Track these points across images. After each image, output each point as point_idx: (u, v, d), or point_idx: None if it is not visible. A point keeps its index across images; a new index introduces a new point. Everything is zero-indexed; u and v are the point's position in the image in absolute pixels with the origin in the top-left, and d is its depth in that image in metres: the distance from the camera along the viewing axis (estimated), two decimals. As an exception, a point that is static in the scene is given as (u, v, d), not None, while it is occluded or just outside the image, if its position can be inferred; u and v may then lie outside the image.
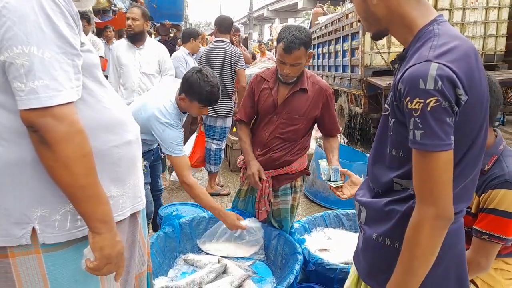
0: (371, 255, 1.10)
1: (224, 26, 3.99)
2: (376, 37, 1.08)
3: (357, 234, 2.84)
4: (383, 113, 1.05)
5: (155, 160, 2.68)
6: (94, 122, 1.02)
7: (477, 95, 0.91)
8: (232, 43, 4.23)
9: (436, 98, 0.84)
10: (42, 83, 0.86)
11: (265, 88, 2.27)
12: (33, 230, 0.97)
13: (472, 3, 5.42)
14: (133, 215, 1.21)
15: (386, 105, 1.02)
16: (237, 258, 2.36)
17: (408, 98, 0.87)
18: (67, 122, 0.89)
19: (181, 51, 4.48)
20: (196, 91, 2.12)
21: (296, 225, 2.62)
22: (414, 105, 0.86)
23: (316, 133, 4.77)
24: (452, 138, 0.87)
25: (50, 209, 0.98)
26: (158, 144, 2.48)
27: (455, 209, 0.93)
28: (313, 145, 4.61)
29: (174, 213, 2.55)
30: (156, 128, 2.12)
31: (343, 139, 5.10)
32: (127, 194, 1.15)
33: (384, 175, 1.04)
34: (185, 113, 2.30)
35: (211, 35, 8.13)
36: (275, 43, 6.41)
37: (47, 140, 0.88)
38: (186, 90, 2.14)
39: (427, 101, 0.85)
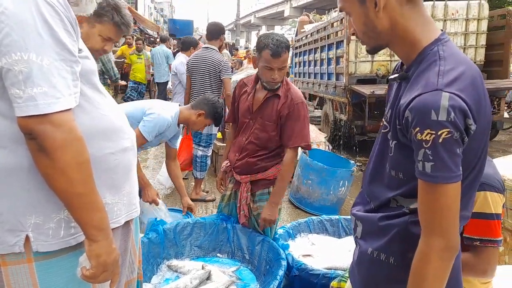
0: (366, 270, 1.09)
1: (212, 32, 3.95)
2: (373, 51, 1.05)
3: (340, 240, 2.87)
4: (382, 130, 1.02)
5: None
6: (91, 128, 1.02)
7: (483, 122, 0.90)
8: (219, 50, 4.20)
9: (448, 129, 0.82)
10: (41, 90, 0.85)
11: (244, 93, 2.34)
12: (27, 237, 0.96)
13: (452, 14, 5.58)
14: (127, 223, 1.21)
15: (385, 122, 0.99)
16: (221, 263, 2.36)
17: (418, 128, 0.84)
18: (65, 129, 0.88)
19: (183, 57, 4.62)
20: (216, 113, 2.69)
21: (280, 230, 2.64)
22: (425, 137, 0.84)
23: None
24: (461, 168, 0.86)
25: (44, 216, 0.97)
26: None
27: None
28: (298, 152, 4.65)
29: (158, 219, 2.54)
30: (154, 111, 2.40)
31: (328, 146, 5.15)
32: (122, 201, 1.15)
33: (383, 194, 1.03)
34: (179, 126, 2.67)
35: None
36: (252, 52, 6.43)
37: (45, 147, 0.87)
38: (207, 109, 2.64)
39: (439, 133, 0.82)
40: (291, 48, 11.32)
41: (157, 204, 2.63)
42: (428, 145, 0.84)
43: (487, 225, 1.32)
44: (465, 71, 0.88)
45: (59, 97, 0.88)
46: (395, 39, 0.97)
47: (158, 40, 11.31)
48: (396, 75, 1.01)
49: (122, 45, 8.88)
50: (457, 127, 0.83)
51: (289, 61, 10.58)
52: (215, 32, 3.96)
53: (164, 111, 2.46)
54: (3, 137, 0.92)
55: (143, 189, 2.55)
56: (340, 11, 1.05)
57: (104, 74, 4.82)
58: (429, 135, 0.83)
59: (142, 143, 2.39)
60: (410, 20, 0.94)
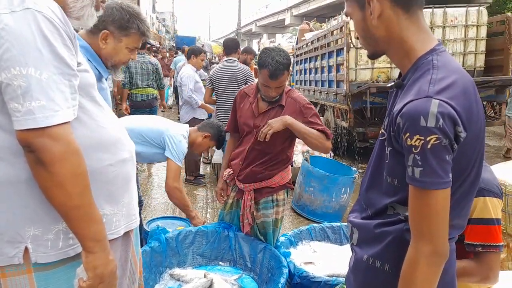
0: (362, 277, 1.10)
1: (230, 47, 4.41)
2: (372, 56, 1.08)
3: (342, 247, 2.86)
4: (379, 138, 1.03)
5: None
6: (90, 140, 1.04)
7: (475, 131, 0.91)
8: (245, 62, 4.63)
9: (436, 136, 0.83)
10: (39, 104, 0.87)
11: (246, 102, 2.36)
12: (26, 249, 0.97)
13: (451, 21, 5.61)
14: (127, 233, 1.21)
15: (383, 130, 1.00)
16: (223, 271, 2.36)
17: (408, 134, 0.86)
18: (63, 142, 0.90)
19: (190, 69, 4.70)
20: (220, 136, 2.87)
21: (282, 238, 2.65)
22: (414, 142, 0.85)
23: (302, 147, 4.83)
24: (450, 175, 0.87)
25: (43, 228, 0.99)
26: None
27: (449, 235, 0.93)
28: (300, 159, 4.66)
29: (161, 226, 2.56)
30: (176, 137, 2.57)
31: (330, 153, 5.16)
32: (121, 212, 1.16)
33: (380, 201, 1.04)
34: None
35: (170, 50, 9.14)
36: (254, 65, 6.52)
37: (43, 160, 0.88)
38: (212, 132, 2.81)
39: (428, 139, 0.84)
40: (292, 56, 11.33)
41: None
42: (417, 150, 0.85)
43: (488, 230, 1.32)
44: (457, 80, 0.89)
45: (57, 110, 0.89)
46: (392, 48, 0.99)
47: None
48: (393, 83, 1.04)
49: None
50: (446, 134, 0.84)
51: (290, 69, 10.51)
52: (232, 46, 4.41)
53: (183, 137, 2.62)
54: (2, 150, 0.94)
55: (190, 216, 2.73)
56: (346, 15, 1.08)
57: (154, 80, 5.10)
58: (418, 140, 0.85)
59: (179, 170, 2.58)
60: (406, 30, 0.96)
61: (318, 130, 2.18)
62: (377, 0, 0.94)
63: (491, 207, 1.34)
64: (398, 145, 0.93)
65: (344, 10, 1.08)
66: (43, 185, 0.91)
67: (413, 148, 0.86)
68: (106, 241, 1.01)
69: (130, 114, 4.90)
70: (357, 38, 1.09)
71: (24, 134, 0.87)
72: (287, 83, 2.34)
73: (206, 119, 4.66)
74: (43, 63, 0.88)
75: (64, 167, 0.90)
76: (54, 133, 0.89)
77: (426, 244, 0.89)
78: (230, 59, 4.29)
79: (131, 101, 5.13)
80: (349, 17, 1.07)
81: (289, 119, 2.12)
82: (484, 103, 5.69)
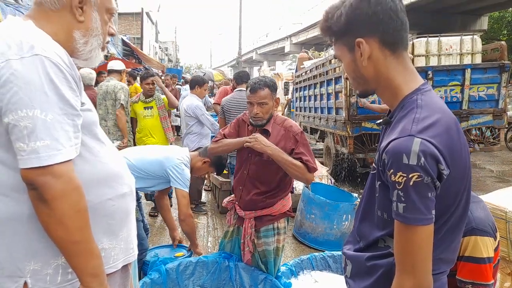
0: None
1: (242, 77, 4.67)
2: (362, 95, 1.13)
3: (343, 276, 2.82)
4: (371, 171, 1.06)
5: (137, 199, 2.79)
6: (91, 176, 1.07)
7: (458, 168, 0.93)
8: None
9: (418, 173, 0.86)
10: (43, 143, 0.91)
11: (244, 129, 2.43)
12: (25, 284, 0.99)
13: (447, 49, 5.74)
14: (125, 267, 1.22)
15: (374, 164, 1.03)
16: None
17: (392, 170, 0.89)
18: (64, 180, 0.94)
19: (196, 99, 4.76)
20: (220, 164, 2.94)
21: (282, 268, 2.62)
22: (397, 178, 0.88)
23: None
24: (433, 211, 0.89)
25: (42, 262, 1.01)
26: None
27: (437, 270, 0.96)
28: (300, 186, 4.66)
29: (158, 256, 2.55)
30: (178, 167, 2.61)
31: (330, 179, 5.17)
32: (119, 246, 1.17)
33: (371, 233, 1.06)
34: None
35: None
36: None
37: (45, 197, 0.92)
38: (213, 158, 2.83)
39: (410, 176, 0.86)
40: (291, 84, 11.45)
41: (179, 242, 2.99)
42: (400, 186, 0.88)
43: (479, 269, 1.36)
44: (440, 119, 0.93)
45: (60, 149, 0.94)
46: (380, 87, 1.04)
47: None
48: (381, 120, 1.08)
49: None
50: (428, 172, 0.86)
51: (290, 96, 10.63)
52: (243, 77, 4.67)
53: (184, 165, 2.66)
54: (6, 186, 0.98)
55: (170, 231, 2.85)
56: (335, 58, 1.13)
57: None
58: (401, 177, 0.88)
59: (188, 196, 2.63)
60: (393, 70, 1.00)
61: (301, 161, 2.22)
62: (367, 42, 0.99)
63: (482, 246, 1.37)
64: (385, 179, 0.96)
65: (334, 53, 1.13)
66: (44, 220, 0.94)
67: (396, 184, 0.89)
68: (104, 276, 1.03)
69: None
70: (346, 78, 1.14)
71: (28, 172, 0.91)
72: (286, 110, 2.42)
73: None
74: (49, 105, 0.93)
75: (65, 203, 0.93)
76: (56, 171, 0.93)
77: (409, 279, 0.91)
78: (241, 90, 4.48)
79: None
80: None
81: (270, 150, 2.18)
82: (483, 128, 5.75)
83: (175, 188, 2.61)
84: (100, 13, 1.13)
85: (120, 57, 12.11)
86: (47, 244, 0.99)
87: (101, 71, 6.80)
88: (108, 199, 1.12)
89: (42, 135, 0.92)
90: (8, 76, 0.91)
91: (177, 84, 11.12)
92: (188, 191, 2.63)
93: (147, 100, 4.65)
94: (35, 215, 0.95)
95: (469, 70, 5.33)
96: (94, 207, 1.06)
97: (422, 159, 0.86)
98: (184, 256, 2.77)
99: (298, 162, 2.21)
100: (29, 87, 0.92)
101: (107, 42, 1.22)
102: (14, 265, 0.99)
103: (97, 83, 5.68)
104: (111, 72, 4.74)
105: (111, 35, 1.20)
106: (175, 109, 5.99)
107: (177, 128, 9.51)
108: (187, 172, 2.66)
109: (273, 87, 2.31)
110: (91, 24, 1.11)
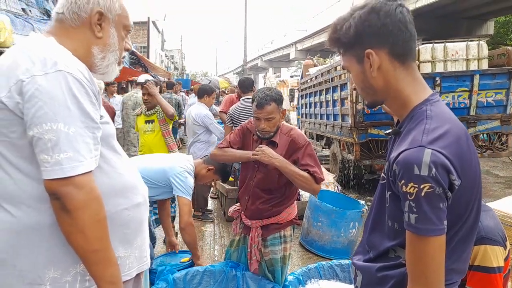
0: None
1: (247, 85, 4.74)
2: (371, 105, 1.13)
3: (351, 286, 2.80)
4: (380, 181, 1.06)
5: None
6: (108, 187, 1.11)
7: (469, 178, 0.93)
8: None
9: (430, 184, 0.86)
10: (66, 156, 0.96)
11: (249, 139, 2.43)
12: None
13: (453, 55, 5.71)
14: (138, 275, 1.25)
15: (383, 174, 1.03)
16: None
17: (403, 181, 0.89)
18: (86, 190, 0.98)
19: (204, 108, 4.78)
20: (224, 172, 2.92)
21: (290, 277, 2.61)
22: (409, 189, 0.88)
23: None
24: (445, 222, 0.89)
25: (61, 270, 1.04)
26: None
27: (450, 280, 0.95)
28: (307, 193, 4.65)
29: (165, 263, 2.55)
30: (181, 175, 2.61)
31: (337, 187, 5.15)
32: (133, 255, 1.20)
33: (382, 244, 1.06)
34: None
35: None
36: None
37: (67, 207, 0.96)
38: (217, 166, 2.82)
39: (421, 187, 0.87)
40: (296, 91, 11.45)
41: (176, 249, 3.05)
42: (412, 197, 0.88)
43: (489, 279, 1.35)
44: (450, 129, 0.93)
45: (82, 160, 0.98)
46: (390, 97, 1.05)
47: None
48: (390, 130, 1.09)
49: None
50: (439, 183, 0.87)
51: (295, 102, 10.60)
52: (248, 85, 4.76)
53: (187, 173, 2.66)
54: (29, 197, 1.01)
55: (167, 237, 2.86)
56: (343, 69, 1.13)
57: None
58: (413, 188, 0.88)
59: (191, 204, 2.62)
60: (402, 81, 1.01)
61: (308, 172, 2.22)
62: (376, 53, 0.99)
63: (492, 256, 1.37)
64: (396, 190, 0.96)
65: (342, 64, 1.14)
66: (66, 230, 0.98)
67: (408, 195, 0.89)
68: (121, 284, 1.06)
69: None
70: (354, 89, 1.14)
71: (52, 183, 0.95)
72: (292, 116, 2.42)
73: None
74: (71, 119, 0.98)
75: (86, 213, 0.97)
76: (78, 182, 0.97)
77: None
78: (247, 98, 4.51)
79: None
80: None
81: (277, 162, 2.17)
82: (491, 134, 5.69)
83: (177, 196, 2.61)
84: (118, 30, 1.18)
85: (127, 66, 12.25)
86: (67, 252, 1.02)
87: (112, 81, 6.95)
88: (124, 208, 1.16)
89: (65, 147, 0.96)
90: (34, 91, 0.95)
91: (181, 91, 11.20)
92: (190, 199, 2.62)
93: (147, 112, 3.97)
94: (56, 224, 0.99)
95: (477, 76, 5.29)
96: (111, 216, 1.09)
97: (433, 170, 0.86)
98: (189, 262, 2.77)
99: (305, 173, 2.21)
100: (53, 102, 0.96)
101: (123, 57, 1.25)
102: (35, 273, 1.02)
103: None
104: (138, 84, 5.06)
105: (127, 50, 1.24)
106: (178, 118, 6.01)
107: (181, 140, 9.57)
108: (190, 180, 2.65)
109: (279, 100, 2.30)
110: (109, 40, 1.16)
